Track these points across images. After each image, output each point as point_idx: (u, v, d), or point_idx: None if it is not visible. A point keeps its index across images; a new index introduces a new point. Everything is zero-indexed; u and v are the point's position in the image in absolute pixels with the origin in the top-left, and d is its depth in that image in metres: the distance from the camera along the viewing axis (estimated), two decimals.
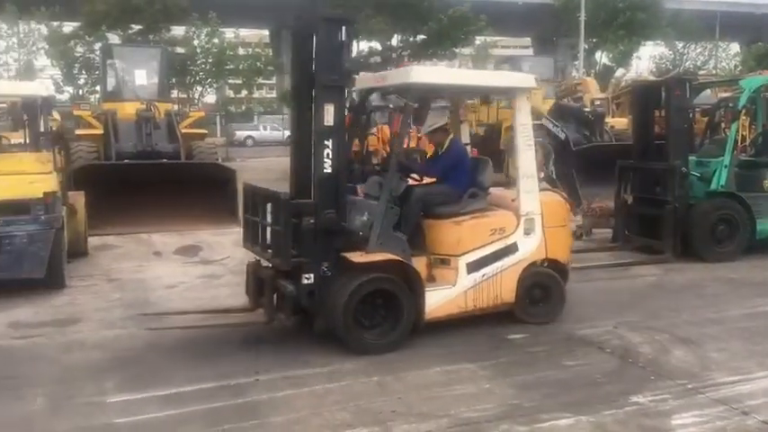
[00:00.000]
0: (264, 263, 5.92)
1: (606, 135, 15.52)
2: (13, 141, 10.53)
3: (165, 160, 13.35)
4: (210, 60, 32.35)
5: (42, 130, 8.41)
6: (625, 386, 4.97)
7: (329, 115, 5.34)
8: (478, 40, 39.84)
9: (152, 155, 13.41)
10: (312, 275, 5.36)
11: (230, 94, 45.41)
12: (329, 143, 5.37)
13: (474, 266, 5.96)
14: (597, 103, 17.97)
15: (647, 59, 48.15)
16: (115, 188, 10.18)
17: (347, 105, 5.92)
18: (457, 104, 7.33)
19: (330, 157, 5.37)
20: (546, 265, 6.34)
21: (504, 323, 6.33)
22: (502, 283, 6.06)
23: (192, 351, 5.66)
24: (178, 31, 32.89)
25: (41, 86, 9.47)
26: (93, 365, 5.38)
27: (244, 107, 52.27)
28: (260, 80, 37.13)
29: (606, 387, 4.96)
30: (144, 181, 10.82)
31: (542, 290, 6.32)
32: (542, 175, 7.52)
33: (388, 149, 12.38)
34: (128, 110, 13.83)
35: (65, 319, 6.68)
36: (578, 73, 31.36)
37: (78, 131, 14.31)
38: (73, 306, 7.15)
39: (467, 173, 6.37)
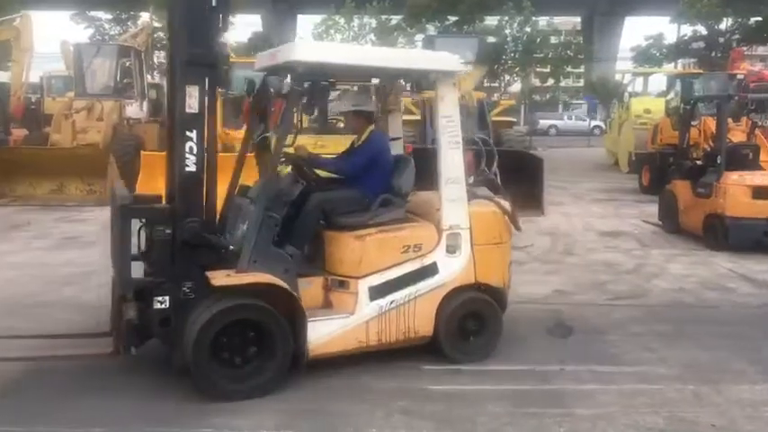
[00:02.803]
0: None
1: None
2: (342, 125, 11.76)
3: (474, 147, 13.87)
4: (520, 49, 32.65)
5: None
6: None
7: (192, 99, 4.31)
8: None
9: (463, 141, 14.01)
10: (167, 299, 4.34)
11: (536, 82, 45.36)
12: (192, 134, 4.34)
13: (379, 291, 4.83)
14: None
15: None
16: (428, 171, 10.78)
17: (255, 90, 4.85)
18: (387, 89, 5.77)
19: (194, 151, 4.34)
20: (477, 290, 5.17)
21: None
22: (416, 312, 4.93)
23: (502, 331, 5.83)
24: (491, 20, 33.72)
25: None
26: None
27: (548, 96, 51.89)
28: (568, 69, 36.52)
29: None
30: None
31: (475, 320, 5.16)
32: (471, 179, 5.61)
33: (711, 144, 11.36)
34: None
35: None
36: None
37: None
38: None
39: (382, 175, 5.19)
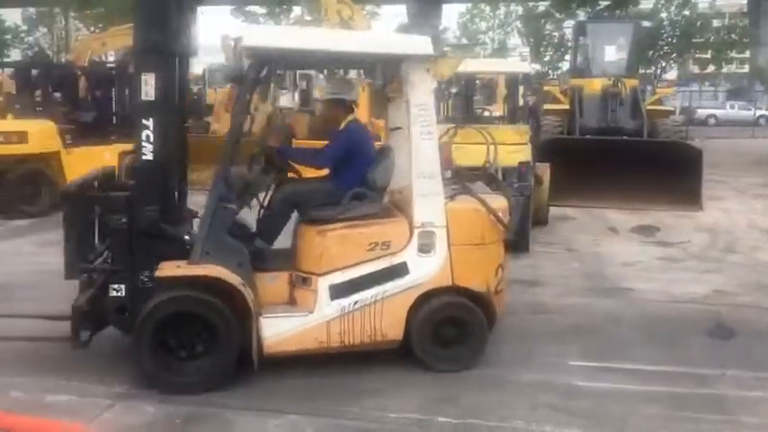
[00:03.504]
0: None
1: None
2: (494, 114, 11.66)
3: (626, 137, 13.33)
4: (677, 33, 30.89)
5: (521, 104, 9.10)
6: None
7: (148, 87, 4.31)
8: None
9: (614, 131, 13.52)
10: (123, 287, 4.36)
11: (694, 69, 42.68)
12: (149, 123, 4.33)
13: (341, 290, 4.53)
14: None
15: None
16: (576, 162, 10.47)
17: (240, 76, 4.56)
18: (386, 76, 5.14)
19: (151, 140, 4.34)
20: (456, 294, 4.70)
21: None
22: (384, 314, 4.56)
23: (656, 331, 5.62)
24: (645, 4, 32.12)
25: (524, 64, 10.26)
26: (554, 328, 5.70)
27: (707, 84, 48.64)
28: (731, 54, 34.11)
29: None
30: (605, 157, 10.92)
31: (456, 327, 4.70)
32: (449, 174, 5.15)
33: None
34: (594, 86, 14.12)
35: (529, 280, 7.19)
36: None
37: (546, 106, 15.12)
38: (535, 269, 7.66)
39: (358, 167, 4.87)
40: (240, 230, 4.73)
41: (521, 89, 9.68)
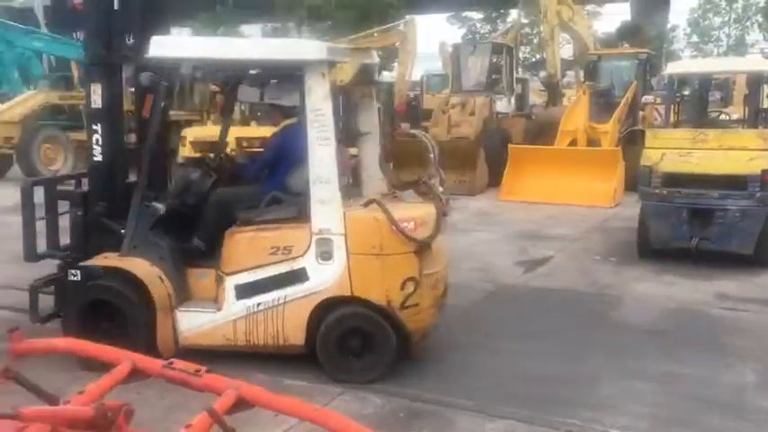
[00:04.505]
0: None
1: None
2: (733, 117, 10.74)
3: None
4: None
5: (765, 105, 8.29)
6: None
7: (96, 96, 4.86)
8: None
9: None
10: (79, 272, 4.76)
11: None
12: (98, 128, 4.88)
13: (245, 291, 4.68)
14: None
15: None
16: None
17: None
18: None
19: (100, 143, 4.89)
20: (359, 305, 4.55)
21: None
22: (285, 318, 4.62)
23: None
24: None
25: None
26: None
27: None
28: None
29: None
30: None
31: (362, 338, 4.59)
32: (348, 180, 5.01)
33: None
34: None
35: None
36: None
37: None
38: None
39: (281, 171, 5.09)
40: (192, 227, 5.10)
41: (765, 89, 8.82)
